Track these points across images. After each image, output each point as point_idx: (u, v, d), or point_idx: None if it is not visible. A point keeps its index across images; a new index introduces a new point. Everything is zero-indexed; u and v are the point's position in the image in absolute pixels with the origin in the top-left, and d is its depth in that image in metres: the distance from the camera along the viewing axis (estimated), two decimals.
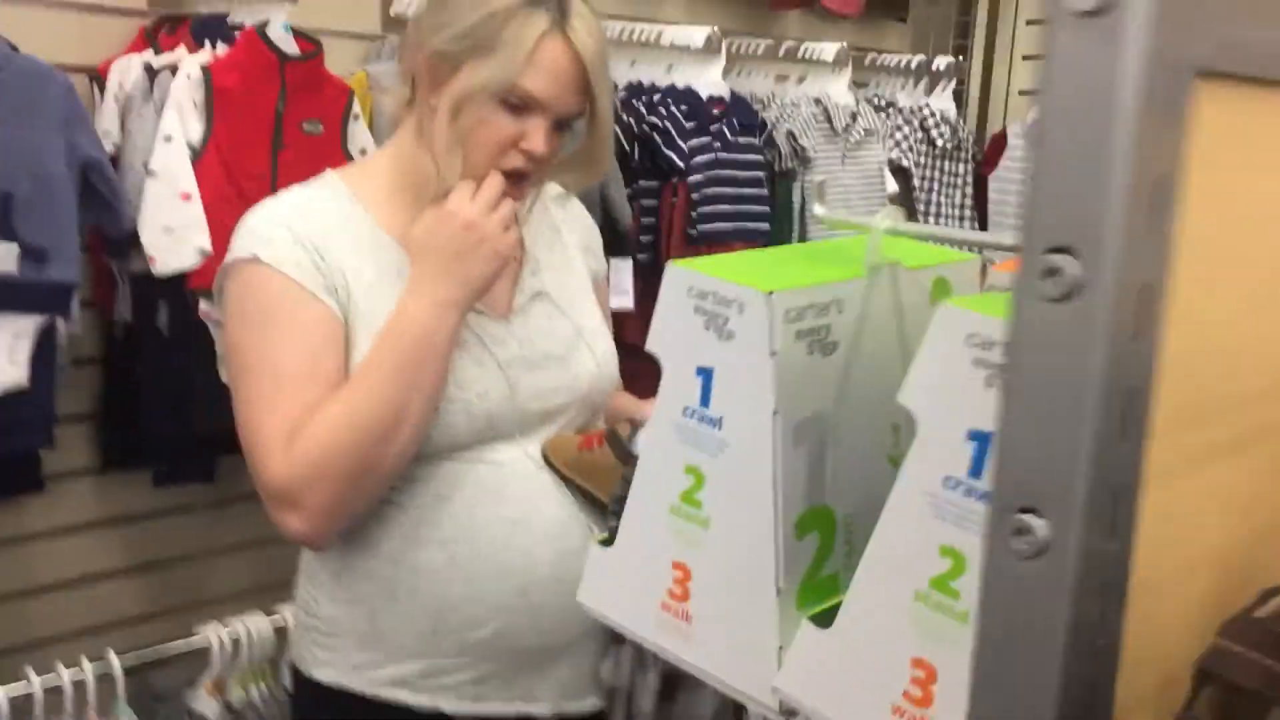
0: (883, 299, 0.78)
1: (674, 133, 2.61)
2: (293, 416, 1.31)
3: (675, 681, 1.50)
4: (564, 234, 1.59)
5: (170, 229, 1.99)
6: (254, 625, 2.15)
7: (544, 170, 1.41)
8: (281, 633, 2.15)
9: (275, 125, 2.10)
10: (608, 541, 0.87)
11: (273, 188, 2.07)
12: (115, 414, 2.17)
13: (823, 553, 0.77)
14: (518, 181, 1.38)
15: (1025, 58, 3.35)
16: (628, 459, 1.39)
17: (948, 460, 0.64)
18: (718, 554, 0.77)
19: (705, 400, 0.76)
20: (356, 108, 2.19)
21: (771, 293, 0.72)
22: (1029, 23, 3.34)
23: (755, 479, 0.74)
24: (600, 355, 1.52)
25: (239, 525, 2.38)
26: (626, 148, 2.60)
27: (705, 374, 0.76)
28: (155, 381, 2.11)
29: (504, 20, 1.31)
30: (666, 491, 0.79)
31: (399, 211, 1.42)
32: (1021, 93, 3.36)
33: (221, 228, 1.94)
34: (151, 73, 2.03)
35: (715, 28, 2.68)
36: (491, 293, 1.44)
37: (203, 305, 2.05)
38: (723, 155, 2.68)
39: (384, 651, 1.43)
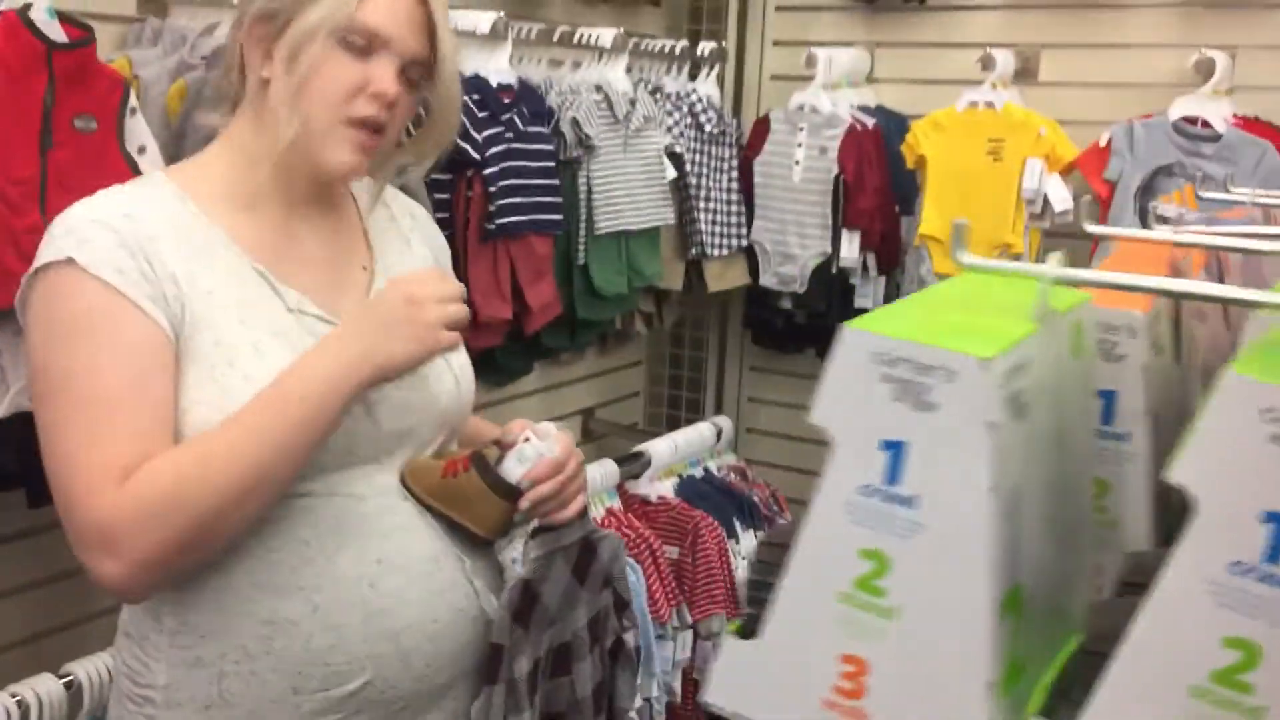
0: (1048, 351, 0.73)
1: (466, 123, 2.46)
2: (122, 450, 1.16)
3: None
4: (414, 246, 1.51)
5: None
6: (43, 690, 1.84)
7: (396, 127, 1.32)
8: (78, 698, 1.86)
9: (44, 122, 1.80)
10: (745, 633, 0.78)
11: (42, 193, 1.79)
12: None
13: (1014, 635, 0.72)
14: (372, 133, 1.28)
15: (776, 43, 3.41)
16: (497, 485, 1.34)
17: (1237, 544, 0.60)
18: (907, 646, 0.70)
19: (893, 478, 0.69)
20: (134, 100, 1.92)
21: (989, 359, 0.65)
22: (778, 9, 3.40)
23: (965, 562, 0.67)
24: (459, 372, 1.44)
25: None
26: None
27: (894, 448, 0.68)
28: None
29: None
30: (835, 578, 0.71)
31: (237, 212, 1.31)
32: (774, 77, 3.42)
33: None
34: None
35: (502, 13, 2.55)
36: (337, 299, 1.35)
37: None
38: (515, 145, 2.56)
39: None
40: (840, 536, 0.71)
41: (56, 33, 1.79)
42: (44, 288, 1.21)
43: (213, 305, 1.24)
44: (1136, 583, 0.76)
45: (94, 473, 1.16)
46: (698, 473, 3.17)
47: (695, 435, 3.18)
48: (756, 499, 3.13)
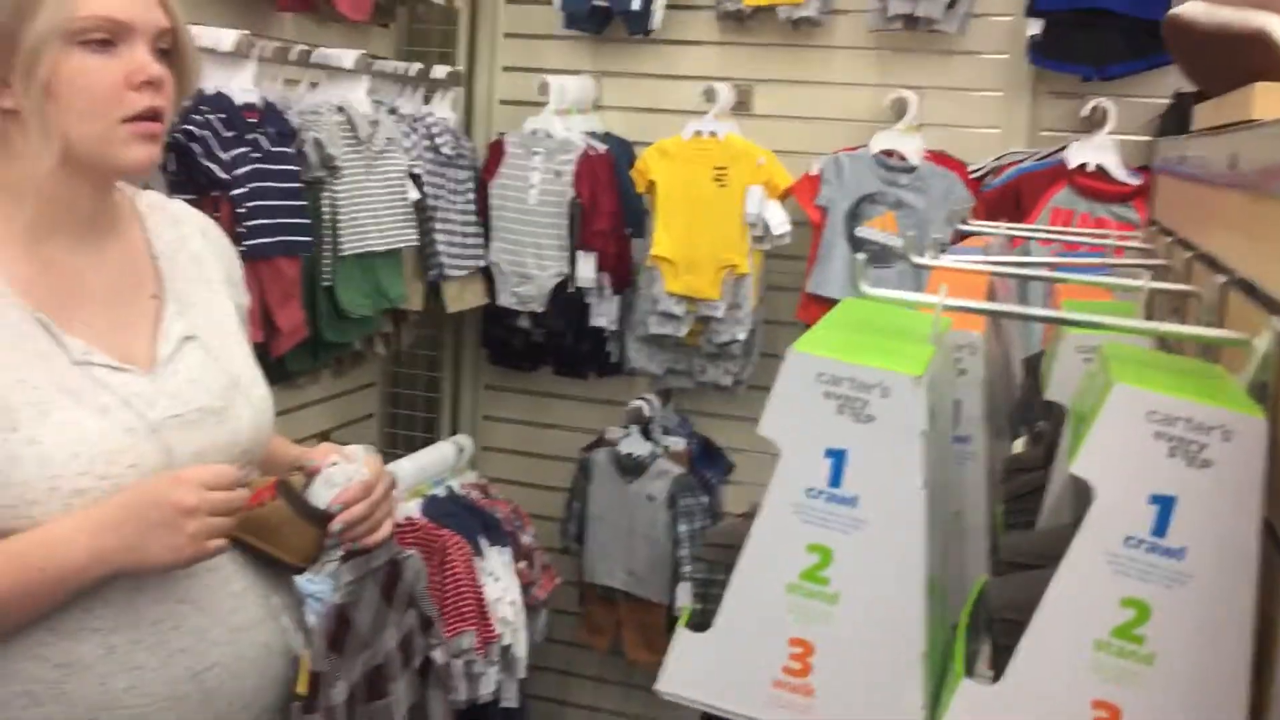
0: (939, 369, 0.86)
1: (213, 142, 2.39)
2: None
3: None
4: (206, 265, 1.47)
5: None
6: None
7: (170, 102, 1.29)
8: None
9: None
10: (697, 626, 0.86)
11: None
12: None
13: (935, 612, 0.84)
14: (152, 120, 1.26)
15: (505, 69, 3.49)
16: (307, 511, 1.34)
17: (1130, 521, 0.74)
18: (848, 627, 0.81)
19: (836, 481, 0.79)
20: None
21: (919, 376, 0.77)
22: (507, 36, 3.48)
23: (901, 551, 0.79)
24: (257, 405, 1.42)
25: None
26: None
27: (837, 455, 0.79)
28: None
29: None
30: (784, 571, 0.81)
31: (10, 253, 1.24)
32: (503, 102, 3.50)
33: None
34: None
35: (247, 31, 2.49)
36: (128, 341, 1.31)
37: None
38: (262, 166, 2.50)
39: None
40: (789, 534, 0.81)
41: None
42: None
43: None
44: (1014, 562, 0.90)
45: None
46: (441, 492, 3.20)
47: (437, 455, 3.21)
48: (499, 515, 3.20)
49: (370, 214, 2.85)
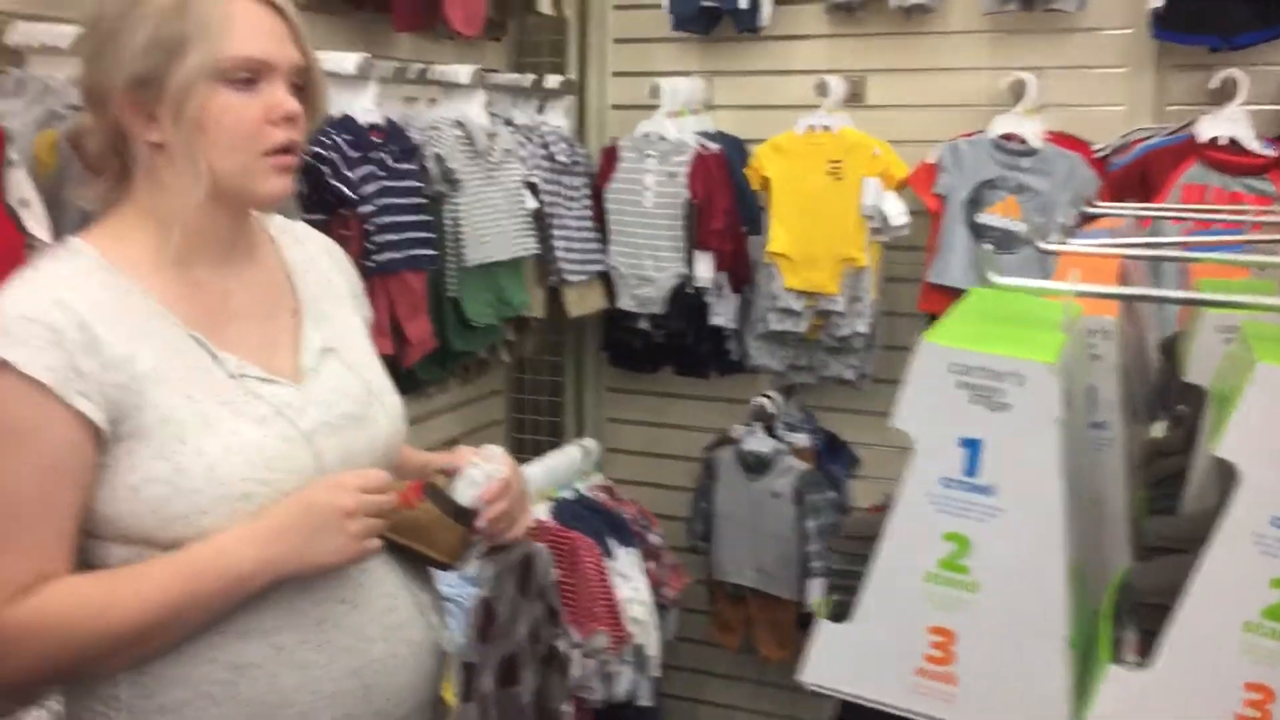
0: (1072, 356, 0.86)
1: (340, 163, 2.47)
2: (21, 566, 1.20)
3: None
4: (334, 281, 1.54)
5: None
6: None
7: (304, 136, 1.34)
8: None
9: None
10: (836, 616, 0.87)
11: None
12: None
13: (1078, 597, 0.83)
14: (287, 153, 1.31)
15: (616, 74, 3.53)
16: (454, 511, 1.39)
17: (1275, 501, 0.73)
18: (989, 614, 0.81)
19: (972, 470, 0.79)
20: (12, 153, 1.86)
21: (1054, 364, 0.76)
22: (617, 41, 3.52)
23: (1040, 538, 0.78)
24: (391, 411, 1.48)
25: None
26: None
27: (972, 445, 0.79)
28: None
29: (181, 9, 1.24)
30: (921, 560, 0.81)
31: (165, 275, 1.31)
32: (615, 107, 3.53)
33: None
34: None
35: (368, 54, 2.57)
36: (273, 354, 1.37)
37: None
38: (388, 183, 2.58)
39: None
40: (925, 523, 0.81)
41: None
42: None
43: (156, 383, 1.25)
44: (1158, 547, 0.89)
45: None
46: (569, 495, 3.24)
47: (565, 458, 3.26)
48: (627, 516, 3.23)
49: (491, 224, 2.91)
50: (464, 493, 1.39)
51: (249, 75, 1.27)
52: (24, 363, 1.18)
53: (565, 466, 3.24)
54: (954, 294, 2.65)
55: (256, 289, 1.40)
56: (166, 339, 1.28)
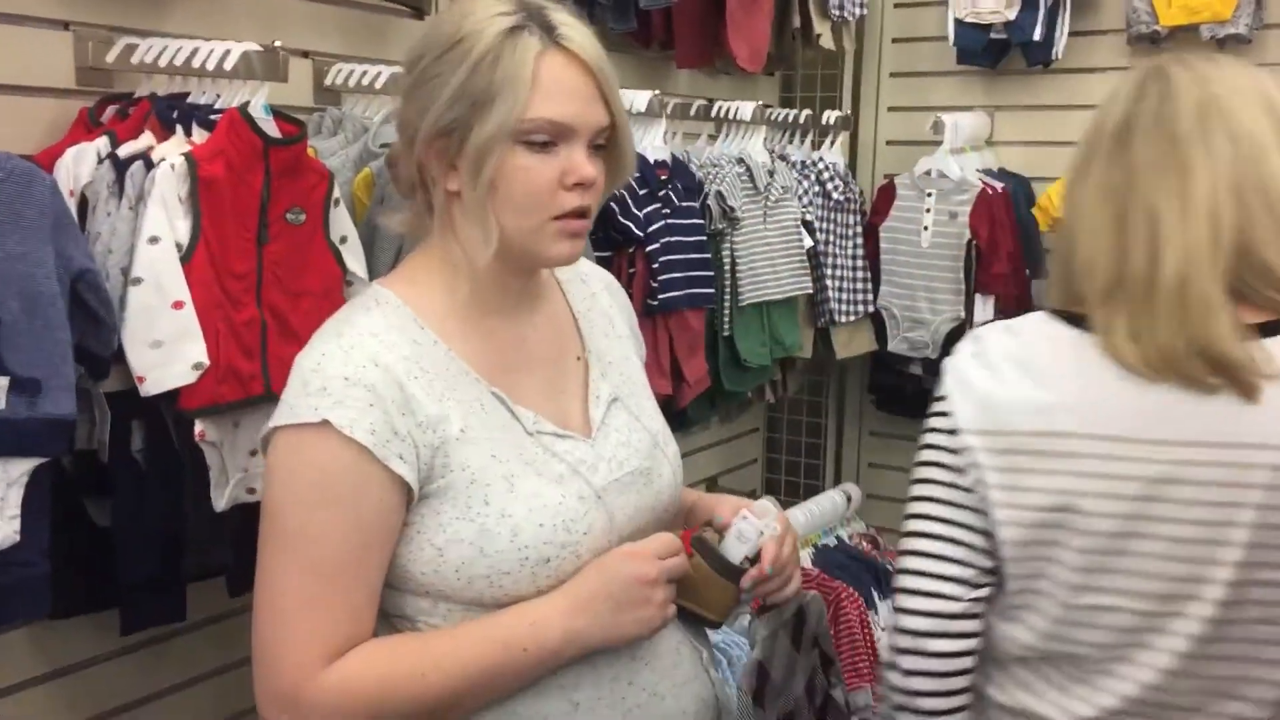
0: None
1: (629, 200, 2.46)
2: (336, 628, 1.20)
3: None
4: (615, 320, 1.49)
5: (160, 343, 1.64)
6: None
7: (598, 200, 1.30)
8: None
9: (260, 217, 1.78)
10: None
11: (258, 286, 1.78)
12: (76, 558, 1.75)
13: None
14: (579, 217, 1.27)
15: (890, 109, 3.42)
16: (724, 569, 1.32)
17: None
18: None
19: None
20: (336, 192, 1.91)
21: None
22: (893, 75, 3.42)
23: None
24: (674, 462, 1.43)
25: (188, 655, 2.04)
26: None
27: None
28: (131, 521, 1.73)
29: (492, 62, 1.21)
30: None
31: (462, 326, 1.30)
32: (889, 143, 3.43)
33: (212, 335, 1.69)
34: (118, 163, 1.67)
35: (658, 91, 2.55)
36: (564, 406, 1.34)
37: (199, 426, 1.71)
38: (672, 221, 2.55)
39: None
40: None
41: (272, 129, 1.78)
42: (295, 441, 1.20)
43: (465, 443, 1.23)
44: None
45: (302, 644, 1.19)
46: (830, 541, 3.15)
47: (828, 503, 3.17)
48: (890, 567, 3.11)
49: (767, 263, 2.85)
50: (734, 549, 1.33)
51: (548, 139, 1.23)
52: (346, 424, 1.17)
53: (828, 512, 3.15)
54: None
55: (545, 335, 1.38)
56: (470, 396, 1.26)
